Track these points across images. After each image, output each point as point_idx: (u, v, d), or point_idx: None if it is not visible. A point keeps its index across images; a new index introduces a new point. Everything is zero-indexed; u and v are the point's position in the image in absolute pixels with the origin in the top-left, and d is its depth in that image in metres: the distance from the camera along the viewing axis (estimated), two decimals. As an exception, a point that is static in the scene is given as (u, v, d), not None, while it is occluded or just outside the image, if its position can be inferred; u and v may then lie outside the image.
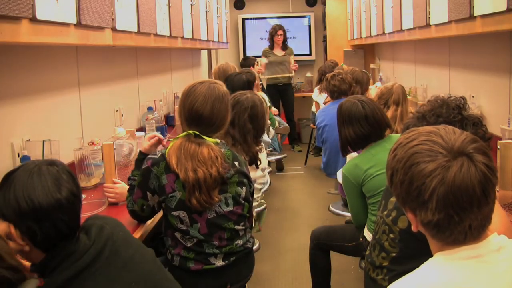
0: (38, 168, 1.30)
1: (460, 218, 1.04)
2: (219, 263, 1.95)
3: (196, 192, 1.85)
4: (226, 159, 1.96)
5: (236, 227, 1.98)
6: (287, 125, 6.01)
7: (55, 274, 1.27)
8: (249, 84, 3.65)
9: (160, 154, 1.92)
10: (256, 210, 2.87)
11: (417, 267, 1.11)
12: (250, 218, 2.14)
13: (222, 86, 2.04)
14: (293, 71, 6.85)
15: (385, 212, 1.86)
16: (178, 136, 1.97)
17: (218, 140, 2.01)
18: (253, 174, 2.46)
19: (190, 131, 1.94)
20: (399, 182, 1.09)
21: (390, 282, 1.72)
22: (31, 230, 1.26)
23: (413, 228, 1.13)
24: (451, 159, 1.04)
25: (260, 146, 2.71)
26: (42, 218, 1.26)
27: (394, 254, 1.81)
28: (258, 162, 2.66)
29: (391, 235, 1.81)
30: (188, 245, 1.92)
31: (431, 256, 1.12)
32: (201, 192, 1.85)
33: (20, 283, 0.92)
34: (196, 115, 1.95)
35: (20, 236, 1.26)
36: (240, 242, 2.00)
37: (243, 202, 2.01)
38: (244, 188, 2.01)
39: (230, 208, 1.95)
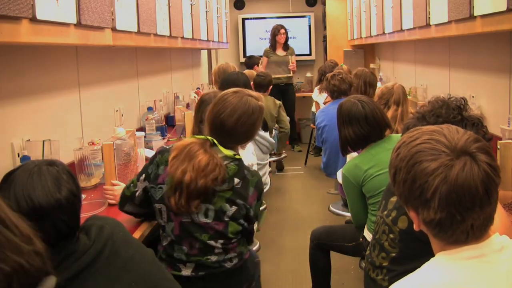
0: (38, 168, 1.30)
1: (462, 217, 1.04)
2: (186, 272, 1.89)
3: (176, 193, 1.81)
4: (226, 174, 1.86)
5: (210, 242, 1.87)
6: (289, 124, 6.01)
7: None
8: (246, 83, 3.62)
9: (171, 146, 1.94)
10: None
11: (417, 267, 1.11)
12: (249, 237, 2.05)
13: (256, 100, 1.94)
14: (291, 71, 6.83)
15: (385, 212, 1.86)
16: (197, 136, 1.93)
17: (233, 153, 1.91)
18: None
19: (209, 137, 1.90)
20: (402, 180, 1.09)
21: (390, 282, 1.72)
22: (31, 230, 1.26)
23: (415, 227, 1.13)
24: (454, 158, 1.04)
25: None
26: (42, 218, 1.25)
27: (394, 254, 1.81)
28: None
29: (391, 235, 1.81)
30: (164, 244, 1.92)
31: (431, 256, 1.12)
32: (181, 195, 1.81)
33: (42, 277, 0.92)
34: (220, 125, 1.90)
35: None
36: (213, 258, 1.89)
37: (227, 220, 1.87)
38: (234, 207, 1.87)
39: (208, 221, 1.85)
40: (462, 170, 1.02)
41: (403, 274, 1.14)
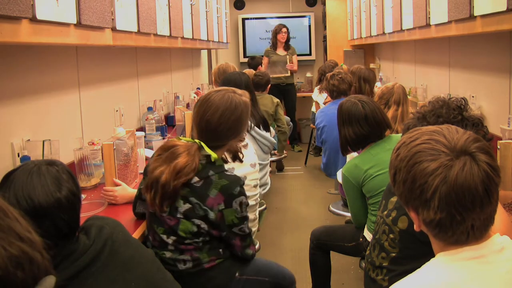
0: (37, 168, 1.31)
1: (463, 217, 1.04)
2: None
3: (152, 190, 1.83)
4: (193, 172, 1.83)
5: (163, 236, 1.87)
6: (291, 124, 6.02)
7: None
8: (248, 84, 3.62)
9: None
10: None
11: (417, 267, 1.11)
12: (232, 249, 1.96)
13: (240, 96, 1.95)
14: (288, 71, 6.81)
15: (385, 212, 1.86)
16: (185, 138, 1.93)
17: (216, 156, 1.88)
18: (242, 170, 2.38)
19: (197, 141, 1.90)
20: (402, 180, 1.09)
21: (390, 282, 1.72)
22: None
23: (415, 227, 1.13)
24: (453, 158, 1.04)
25: (243, 143, 2.60)
26: (42, 217, 1.26)
27: (394, 254, 1.81)
28: (241, 155, 2.34)
29: (391, 235, 1.81)
30: (146, 233, 1.99)
31: (431, 256, 1.12)
32: (155, 194, 1.82)
33: (42, 275, 0.93)
34: (206, 124, 1.90)
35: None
36: (167, 254, 1.88)
37: (179, 216, 1.84)
38: (187, 205, 1.82)
39: (163, 214, 1.85)
40: (461, 170, 1.02)
41: (403, 274, 1.14)
